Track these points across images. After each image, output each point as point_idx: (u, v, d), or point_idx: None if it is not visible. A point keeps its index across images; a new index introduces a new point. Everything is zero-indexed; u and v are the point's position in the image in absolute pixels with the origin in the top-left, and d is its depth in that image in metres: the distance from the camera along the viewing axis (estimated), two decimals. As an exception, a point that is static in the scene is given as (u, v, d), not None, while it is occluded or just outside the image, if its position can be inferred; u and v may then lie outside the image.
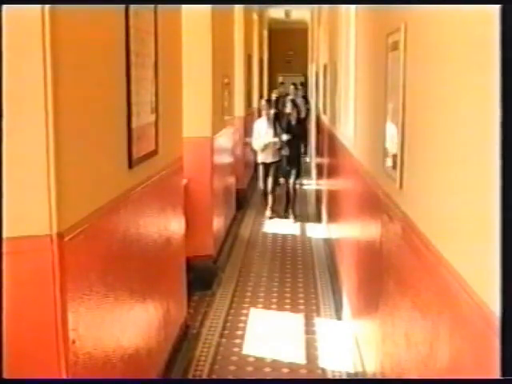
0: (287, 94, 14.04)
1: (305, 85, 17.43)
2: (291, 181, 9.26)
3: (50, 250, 2.09)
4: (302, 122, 10.39)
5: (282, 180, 9.57)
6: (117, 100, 2.85)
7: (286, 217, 9.25)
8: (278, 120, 9.14)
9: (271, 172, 9.24)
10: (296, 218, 9.20)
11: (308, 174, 12.83)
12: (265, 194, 9.60)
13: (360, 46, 4.53)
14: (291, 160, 9.07)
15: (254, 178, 11.69)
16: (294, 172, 9.17)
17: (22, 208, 2.05)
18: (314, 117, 12.98)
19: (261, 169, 9.47)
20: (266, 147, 9.01)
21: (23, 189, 2.05)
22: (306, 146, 13.85)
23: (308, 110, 14.46)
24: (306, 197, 10.96)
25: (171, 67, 4.21)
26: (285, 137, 8.86)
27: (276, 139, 8.88)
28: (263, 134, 9.00)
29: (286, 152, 9.00)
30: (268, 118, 9.08)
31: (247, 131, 10.50)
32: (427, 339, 2.04)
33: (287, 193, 9.41)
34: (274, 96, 14.52)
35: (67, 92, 2.18)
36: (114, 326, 2.78)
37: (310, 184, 11.83)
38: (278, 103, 13.03)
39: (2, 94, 1.78)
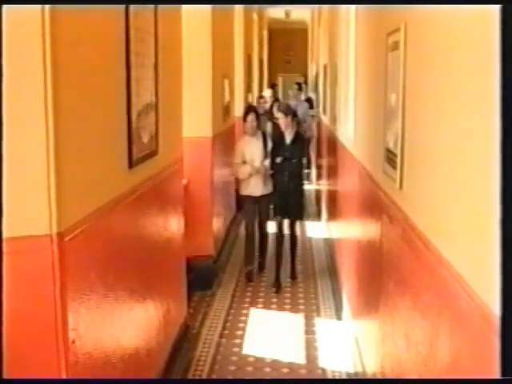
0: (276, 99, 11.39)
1: (305, 85, 15.52)
2: (287, 225, 6.31)
3: (49, 250, 2.09)
4: (303, 140, 6.75)
5: (274, 222, 6.33)
6: (117, 100, 2.85)
7: (277, 286, 6.05)
8: (264, 138, 6.37)
9: (261, 210, 6.37)
10: (294, 279, 6.37)
11: (313, 213, 9.42)
12: (248, 249, 6.47)
13: (360, 46, 4.53)
14: (287, 194, 6.08)
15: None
16: (292, 212, 6.22)
17: (22, 208, 2.05)
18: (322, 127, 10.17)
19: (246, 205, 6.41)
20: (254, 173, 6.19)
21: (23, 189, 2.05)
22: (308, 162, 11.21)
23: (312, 118, 11.32)
24: (306, 197, 10.88)
25: (171, 67, 4.21)
26: (278, 159, 6.05)
27: (267, 163, 6.17)
28: (250, 154, 6.25)
29: (280, 182, 6.12)
30: (254, 134, 6.29)
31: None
32: (427, 339, 2.04)
33: (279, 245, 6.28)
34: (267, 99, 11.46)
35: (67, 92, 2.18)
36: (114, 326, 2.78)
37: (310, 184, 11.83)
38: (272, 111, 10.00)
39: (2, 94, 1.78)
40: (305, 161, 7.65)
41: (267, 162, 6.17)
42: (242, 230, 7.03)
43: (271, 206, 6.33)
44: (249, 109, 6.54)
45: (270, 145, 6.27)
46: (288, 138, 6.06)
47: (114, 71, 2.81)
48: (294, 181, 6.10)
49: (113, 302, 2.77)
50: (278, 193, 6.14)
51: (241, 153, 6.27)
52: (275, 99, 11.18)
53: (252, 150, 6.23)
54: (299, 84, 12.17)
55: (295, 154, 6.03)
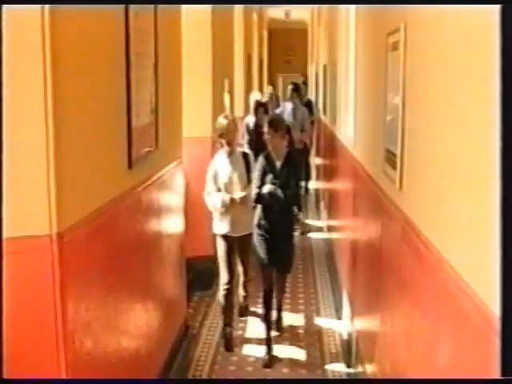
0: (274, 99, 10.68)
1: (305, 85, 13.87)
2: (275, 279, 4.73)
3: (49, 250, 2.10)
4: (299, 160, 5.47)
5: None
6: (117, 100, 2.85)
7: (269, 364, 4.44)
8: (246, 157, 4.79)
9: (243, 257, 4.90)
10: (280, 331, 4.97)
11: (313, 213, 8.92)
12: (225, 309, 4.87)
13: (360, 46, 4.53)
14: (276, 238, 4.55)
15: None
16: (282, 263, 4.71)
17: (22, 208, 2.05)
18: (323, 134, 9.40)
19: (220, 248, 4.81)
20: (231, 206, 4.62)
21: (23, 189, 2.05)
22: (307, 173, 9.68)
23: (312, 123, 9.91)
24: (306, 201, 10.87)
25: (171, 67, 4.22)
26: (266, 189, 4.39)
27: (253, 190, 4.52)
28: (227, 179, 4.65)
29: (268, 220, 4.53)
30: (230, 153, 4.69)
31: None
32: (427, 339, 2.04)
33: (267, 293, 4.65)
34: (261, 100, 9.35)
35: (67, 92, 2.18)
36: (113, 326, 2.78)
37: (310, 184, 11.83)
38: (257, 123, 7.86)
39: (2, 94, 1.78)
40: (301, 184, 6.41)
41: (249, 190, 4.54)
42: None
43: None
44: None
45: (255, 167, 4.60)
46: (279, 161, 4.49)
47: (114, 71, 2.81)
48: (286, 219, 4.59)
49: (113, 302, 2.77)
50: (263, 235, 4.54)
51: (214, 177, 4.62)
52: (259, 104, 8.35)
53: (230, 174, 4.62)
54: (295, 84, 9.24)
55: (288, 183, 4.43)
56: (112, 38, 2.78)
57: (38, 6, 2.00)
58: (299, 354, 4.65)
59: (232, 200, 4.58)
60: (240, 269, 5.01)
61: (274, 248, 4.55)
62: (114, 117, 2.83)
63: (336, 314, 5.35)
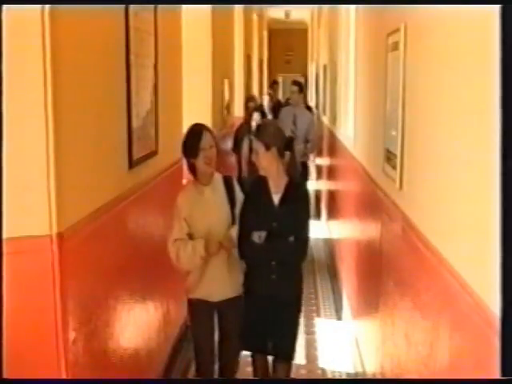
0: (277, 102, 8.85)
1: (305, 86, 12.25)
2: (271, 368, 3.34)
3: (49, 250, 2.09)
4: (306, 193, 3.29)
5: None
6: (117, 100, 2.85)
7: None
8: (229, 186, 3.30)
9: (226, 330, 3.34)
10: None
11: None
12: None
13: (360, 46, 4.53)
14: (273, 306, 3.12)
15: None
16: (280, 344, 3.21)
17: (22, 208, 2.05)
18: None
19: (197, 320, 3.33)
20: (211, 255, 3.14)
21: (23, 189, 2.05)
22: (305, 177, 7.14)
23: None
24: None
25: (171, 67, 4.22)
26: (256, 236, 3.03)
27: (234, 234, 3.13)
28: (204, 217, 3.20)
29: (261, 280, 3.11)
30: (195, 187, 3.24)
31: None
32: (427, 339, 2.04)
33: None
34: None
35: (67, 92, 2.18)
36: (114, 326, 2.78)
37: (310, 185, 11.82)
38: (238, 139, 6.42)
39: (2, 94, 1.78)
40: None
41: (235, 233, 3.11)
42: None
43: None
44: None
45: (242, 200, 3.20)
46: (277, 194, 3.08)
47: (114, 71, 2.81)
48: (288, 280, 3.10)
49: (113, 302, 2.77)
50: (255, 301, 3.14)
51: (182, 218, 3.15)
52: (257, 107, 6.77)
53: (207, 210, 3.17)
54: (299, 84, 7.32)
55: (291, 227, 3.03)
56: (112, 37, 2.78)
57: (38, 6, 2.00)
58: (299, 355, 4.64)
59: (211, 246, 3.06)
60: (220, 352, 3.38)
61: (270, 323, 3.08)
62: (114, 117, 2.83)
63: (336, 314, 5.35)
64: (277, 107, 9.43)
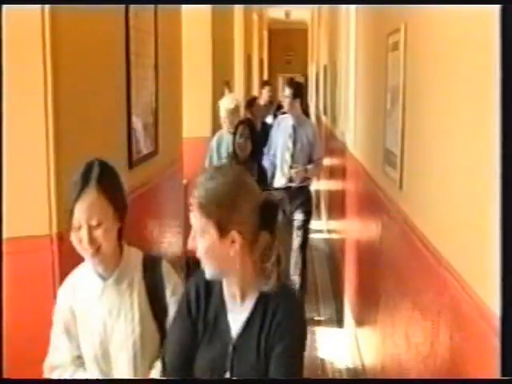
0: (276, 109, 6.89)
1: (305, 87, 11.37)
2: None
3: (49, 250, 2.09)
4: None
5: None
6: (117, 100, 2.85)
7: None
8: (152, 277, 1.89)
9: None
10: None
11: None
12: None
13: (360, 46, 4.53)
14: None
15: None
16: None
17: (22, 208, 2.05)
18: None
19: None
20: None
21: (23, 189, 2.05)
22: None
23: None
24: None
25: (171, 67, 4.21)
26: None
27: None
28: (97, 336, 1.85)
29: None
30: None
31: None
32: (427, 339, 2.04)
33: None
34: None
35: (67, 92, 2.18)
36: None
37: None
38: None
39: (2, 94, 1.78)
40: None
41: (157, 374, 1.80)
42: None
43: None
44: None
45: (177, 319, 1.75)
46: (237, 313, 1.65)
47: (114, 71, 2.81)
48: None
49: (113, 302, 2.77)
50: None
51: (62, 331, 1.92)
52: (241, 121, 4.71)
53: (104, 322, 1.88)
54: (294, 86, 5.25)
55: (259, 373, 1.57)
56: (112, 37, 2.78)
57: (38, 6, 2.00)
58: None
59: None
60: None
61: None
62: (114, 117, 2.83)
63: (336, 314, 5.35)
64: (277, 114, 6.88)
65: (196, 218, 1.58)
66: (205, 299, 1.68)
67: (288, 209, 4.51)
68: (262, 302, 1.62)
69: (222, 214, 1.55)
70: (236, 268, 1.60)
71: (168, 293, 1.90)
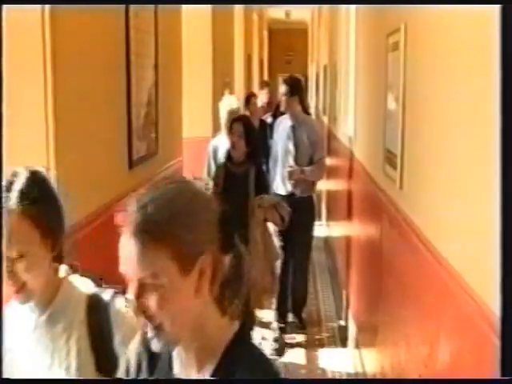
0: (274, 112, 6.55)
1: (304, 83, 9.50)
2: None
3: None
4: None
5: None
6: (117, 100, 2.85)
7: None
8: (97, 314, 1.48)
9: None
10: None
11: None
12: None
13: (360, 46, 4.53)
14: None
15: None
16: None
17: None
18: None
19: None
20: None
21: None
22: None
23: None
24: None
25: (171, 67, 4.21)
26: None
27: None
28: None
29: None
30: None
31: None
32: (427, 339, 2.04)
33: None
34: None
35: (67, 92, 2.18)
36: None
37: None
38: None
39: (1, 94, 1.78)
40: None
41: None
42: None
43: None
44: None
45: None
46: (196, 373, 1.13)
47: (114, 71, 2.81)
48: None
49: (113, 302, 2.77)
50: None
51: None
52: (236, 118, 4.39)
53: (39, 361, 1.46)
54: (290, 83, 4.87)
55: None
56: (112, 37, 2.78)
57: (38, 6, 2.00)
58: (299, 356, 4.65)
59: None
60: None
61: None
62: (114, 117, 2.83)
63: (336, 314, 5.35)
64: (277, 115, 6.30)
65: (137, 255, 1.07)
66: (148, 373, 1.19)
67: (287, 220, 4.01)
68: (223, 370, 1.09)
69: (179, 235, 1.05)
70: (199, 322, 1.09)
71: (117, 341, 1.44)
